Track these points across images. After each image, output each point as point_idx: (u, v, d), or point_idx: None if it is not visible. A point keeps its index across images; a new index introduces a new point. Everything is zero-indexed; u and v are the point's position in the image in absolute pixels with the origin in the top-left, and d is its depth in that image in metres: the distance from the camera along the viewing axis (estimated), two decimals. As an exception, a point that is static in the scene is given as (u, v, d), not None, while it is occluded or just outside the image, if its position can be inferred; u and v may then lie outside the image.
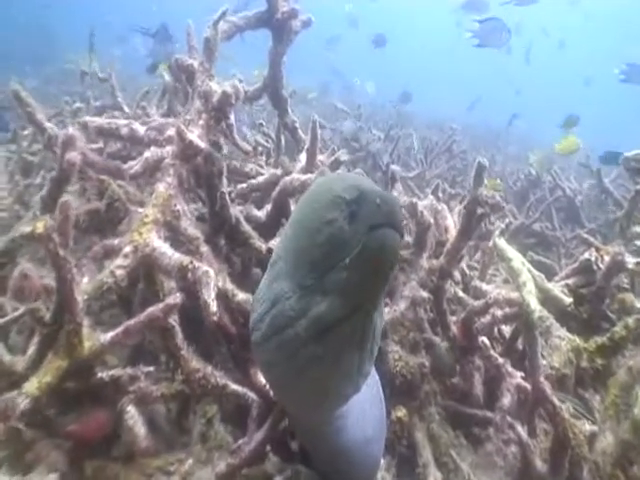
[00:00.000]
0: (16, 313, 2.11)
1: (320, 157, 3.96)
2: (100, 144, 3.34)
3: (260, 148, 4.83)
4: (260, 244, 2.74)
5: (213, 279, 1.94)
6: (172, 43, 6.34)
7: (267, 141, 5.04)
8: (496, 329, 3.14)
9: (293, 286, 1.39)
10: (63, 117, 5.34)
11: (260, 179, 3.45)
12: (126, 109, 5.22)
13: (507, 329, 3.11)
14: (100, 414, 1.92)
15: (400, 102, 11.52)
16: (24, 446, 1.80)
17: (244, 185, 3.40)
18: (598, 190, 5.88)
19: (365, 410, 1.91)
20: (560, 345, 2.26)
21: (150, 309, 1.89)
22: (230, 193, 3.19)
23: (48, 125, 2.95)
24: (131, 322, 1.87)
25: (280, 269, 1.47)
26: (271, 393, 2.11)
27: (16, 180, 3.99)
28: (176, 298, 1.89)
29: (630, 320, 2.32)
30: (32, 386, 1.72)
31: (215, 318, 1.82)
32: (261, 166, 3.86)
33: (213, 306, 1.84)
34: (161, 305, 1.88)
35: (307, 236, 1.37)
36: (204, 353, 2.49)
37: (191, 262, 2.02)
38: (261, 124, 5.44)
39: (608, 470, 1.81)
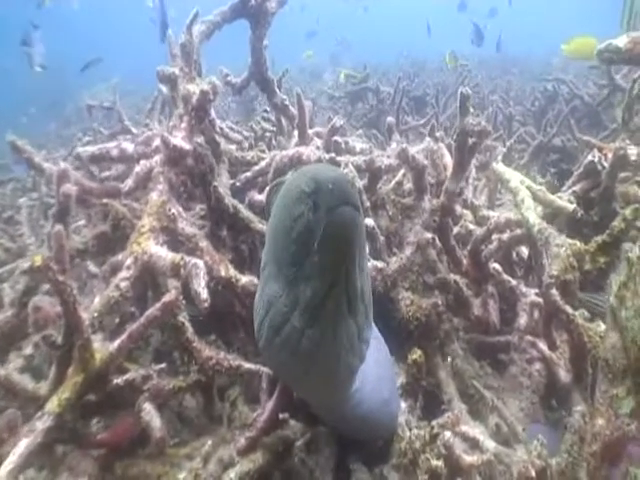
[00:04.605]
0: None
1: (318, 128, 4.02)
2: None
3: (267, 134, 4.92)
4: (261, 226, 2.83)
5: (202, 270, 2.05)
6: None
7: (273, 126, 5.09)
8: (514, 252, 3.14)
9: (282, 285, 1.50)
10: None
11: (262, 163, 3.52)
12: (134, 130, 5.40)
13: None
14: (126, 419, 2.07)
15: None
16: (57, 461, 1.97)
17: (248, 174, 3.47)
18: (609, 89, 5.60)
19: (378, 374, 1.98)
20: (559, 253, 2.23)
21: (148, 311, 2.02)
22: (234, 184, 3.30)
23: (46, 165, 3.14)
24: (133, 327, 2.01)
25: (269, 273, 1.58)
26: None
27: (41, 225, 4.19)
28: (171, 295, 2.02)
29: (627, 211, 2.28)
30: (53, 404, 1.86)
31: (206, 305, 1.94)
32: (262, 151, 3.94)
33: (203, 294, 1.96)
34: (158, 305, 2.01)
35: (283, 236, 1.48)
36: (226, 342, 2.63)
37: (181, 258, 2.14)
38: (265, 110, 5.49)
39: (618, 366, 1.81)
